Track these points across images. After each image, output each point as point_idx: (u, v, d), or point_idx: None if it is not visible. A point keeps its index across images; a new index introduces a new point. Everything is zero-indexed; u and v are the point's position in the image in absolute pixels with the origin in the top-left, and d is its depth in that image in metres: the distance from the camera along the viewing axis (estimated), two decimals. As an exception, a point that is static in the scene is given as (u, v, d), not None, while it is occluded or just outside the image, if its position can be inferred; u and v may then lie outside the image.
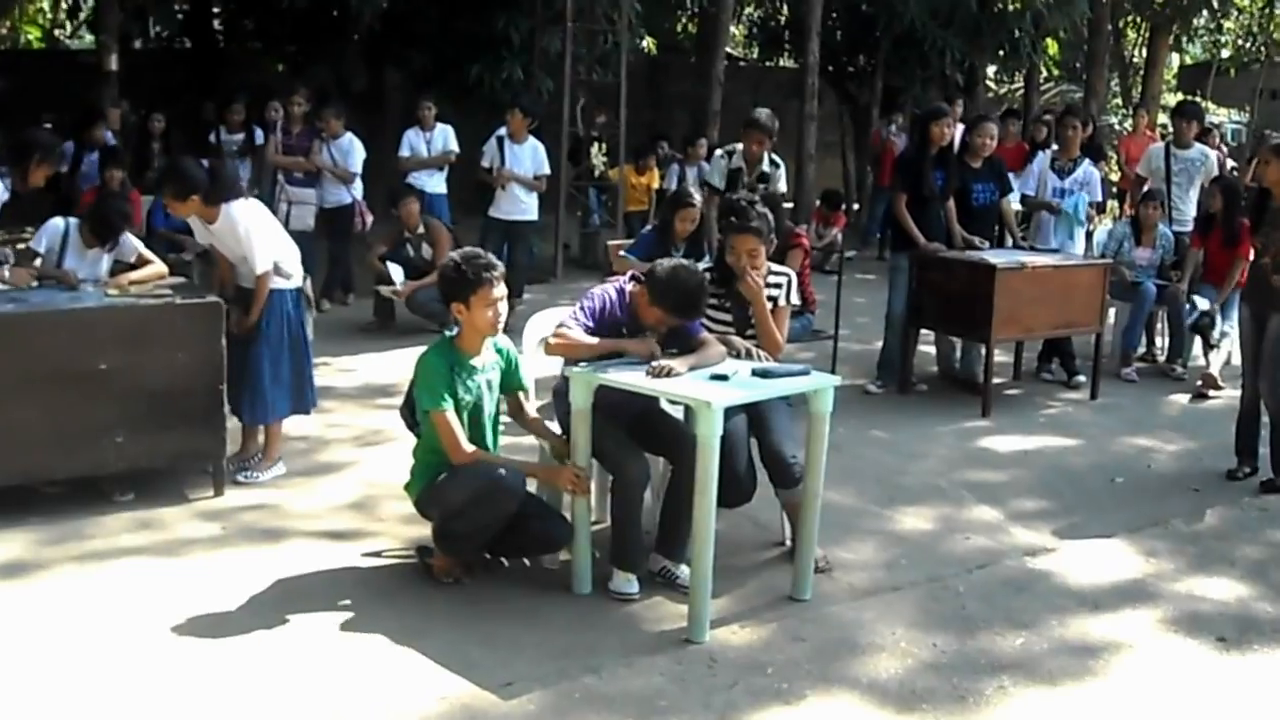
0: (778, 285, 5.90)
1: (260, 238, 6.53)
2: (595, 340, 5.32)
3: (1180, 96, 29.27)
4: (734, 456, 5.44)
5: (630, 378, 5.08)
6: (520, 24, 14.76)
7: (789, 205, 8.60)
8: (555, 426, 5.75)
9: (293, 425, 7.27)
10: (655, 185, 15.06)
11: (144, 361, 6.20)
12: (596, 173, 14.56)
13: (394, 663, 4.76)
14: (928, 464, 7.53)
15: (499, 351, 5.46)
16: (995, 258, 8.70)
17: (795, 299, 5.95)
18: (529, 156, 11.45)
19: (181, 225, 11.43)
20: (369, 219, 11.89)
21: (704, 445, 4.81)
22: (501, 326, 5.30)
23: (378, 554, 5.85)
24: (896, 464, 7.49)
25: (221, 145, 12.03)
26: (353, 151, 11.82)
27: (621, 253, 8.70)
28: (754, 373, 5.22)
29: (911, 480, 7.18)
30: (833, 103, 20.69)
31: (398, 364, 9.28)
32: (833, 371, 8.69)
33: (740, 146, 8.95)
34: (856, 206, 19.54)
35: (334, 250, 12.01)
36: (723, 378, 5.10)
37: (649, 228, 9.19)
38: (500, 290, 5.20)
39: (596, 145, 14.51)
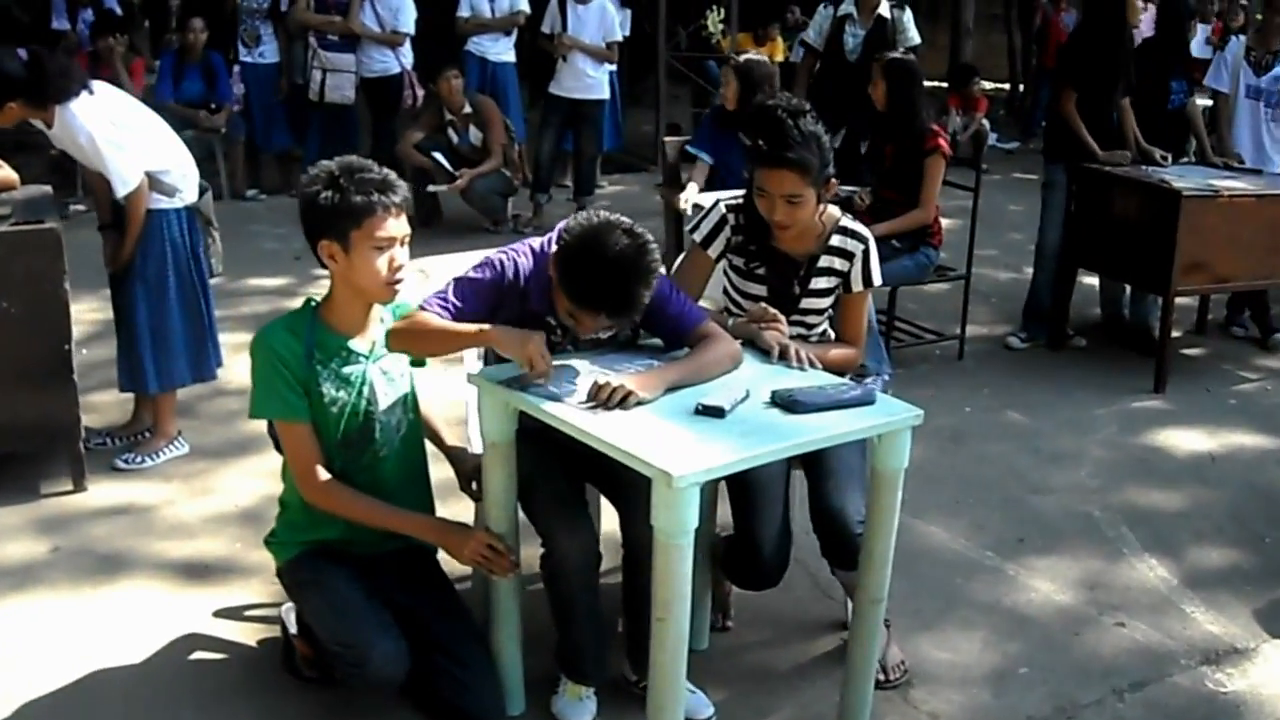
0: (846, 256, 3.76)
1: (112, 146, 4.63)
2: (456, 328, 3.21)
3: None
4: (756, 515, 3.49)
5: (561, 406, 3.04)
6: None
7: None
8: (471, 433, 3.83)
9: (233, 373, 5.52)
10: (779, 58, 12.80)
11: None
12: (713, 40, 12.33)
13: None
14: (1077, 474, 5.42)
15: (400, 315, 3.42)
16: (1179, 180, 6.47)
17: (876, 276, 3.82)
18: (596, 19, 9.36)
19: (195, 96, 9.77)
20: (420, 92, 9.94)
21: (662, 548, 2.81)
22: (399, 286, 3.27)
23: (237, 612, 4.03)
24: (1034, 471, 5.41)
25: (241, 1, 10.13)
26: (403, 8, 9.89)
27: (688, 147, 6.67)
28: (775, 399, 3.13)
29: (1052, 503, 5.11)
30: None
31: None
32: (963, 322, 6.70)
33: None
34: (1021, 88, 17.02)
35: (378, 129, 10.10)
36: (715, 412, 3.02)
37: (711, 109, 7.14)
38: (400, 226, 3.20)
39: (713, 8, 12.26)
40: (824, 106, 7.03)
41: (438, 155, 8.69)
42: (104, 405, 5.55)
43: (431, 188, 8.86)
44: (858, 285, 3.78)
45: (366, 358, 3.32)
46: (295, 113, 10.31)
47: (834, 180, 3.64)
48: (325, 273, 3.31)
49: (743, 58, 6.52)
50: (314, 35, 9.81)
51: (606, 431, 2.89)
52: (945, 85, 13.49)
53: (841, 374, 3.77)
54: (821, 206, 3.65)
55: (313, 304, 3.33)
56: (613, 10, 9.48)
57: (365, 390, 3.31)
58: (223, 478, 4.99)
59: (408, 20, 9.87)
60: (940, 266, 6.63)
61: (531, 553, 3.45)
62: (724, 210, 3.80)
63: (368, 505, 3.33)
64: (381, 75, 9.92)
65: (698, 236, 3.82)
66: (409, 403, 3.45)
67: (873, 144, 6.33)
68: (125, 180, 4.66)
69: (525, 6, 10.00)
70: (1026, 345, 7.06)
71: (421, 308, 3.23)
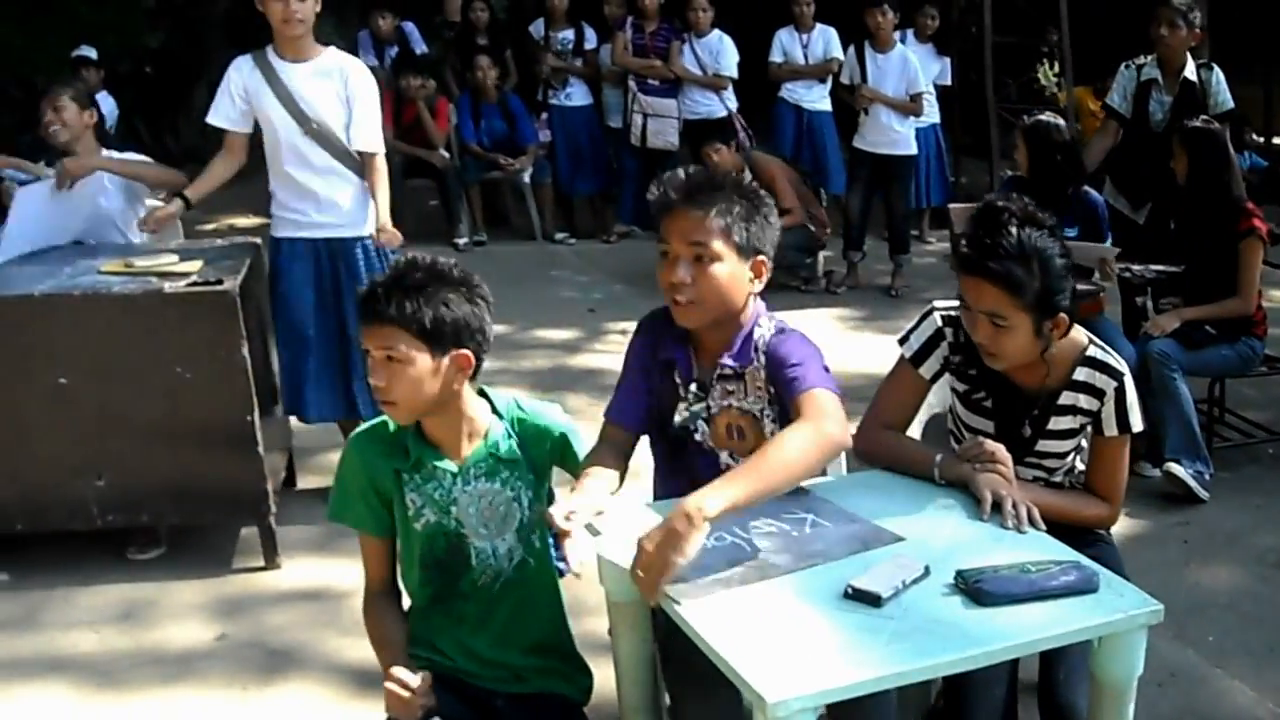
0: (1095, 393, 3.03)
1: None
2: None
3: None
4: (969, 701, 2.83)
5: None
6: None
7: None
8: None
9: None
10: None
11: (122, 376, 4.30)
12: (1048, 94, 11.45)
13: None
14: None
15: (522, 434, 2.91)
16: None
17: (1136, 419, 3.06)
18: (897, 70, 8.68)
19: (500, 137, 9.62)
20: (752, 133, 9.52)
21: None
22: (382, 406, 2.75)
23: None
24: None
25: (549, 43, 9.91)
26: (724, 51, 9.55)
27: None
28: (959, 582, 2.45)
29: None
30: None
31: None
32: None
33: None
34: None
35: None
36: (869, 599, 2.37)
37: (1009, 175, 6.44)
38: (373, 337, 2.68)
39: (1044, 60, 11.40)
40: (1127, 182, 6.33)
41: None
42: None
43: None
44: (1110, 430, 3.05)
45: (455, 476, 2.83)
46: (602, 157, 10.06)
47: (1064, 318, 2.93)
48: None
49: (1032, 118, 5.77)
50: (633, 79, 9.60)
51: (703, 619, 2.32)
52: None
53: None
54: (1041, 341, 2.94)
55: None
56: (915, 60, 8.79)
57: (453, 511, 2.85)
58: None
59: (730, 64, 9.54)
60: (1270, 357, 5.70)
61: None
62: (939, 322, 3.13)
63: (376, 635, 2.89)
64: (706, 117, 9.55)
65: (907, 351, 3.15)
66: (531, 530, 2.94)
67: (1179, 222, 5.53)
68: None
69: (839, 53, 9.46)
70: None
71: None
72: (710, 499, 2.39)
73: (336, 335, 4.91)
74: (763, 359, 2.86)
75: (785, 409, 2.80)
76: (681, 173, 2.82)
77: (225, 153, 4.87)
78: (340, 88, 4.77)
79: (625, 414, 2.93)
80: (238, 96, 4.74)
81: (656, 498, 3.05)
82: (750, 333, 2.88)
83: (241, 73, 4.74)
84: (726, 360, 2.87)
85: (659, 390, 2.94)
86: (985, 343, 2.92)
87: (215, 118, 4.82)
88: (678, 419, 2.92)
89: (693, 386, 2.91)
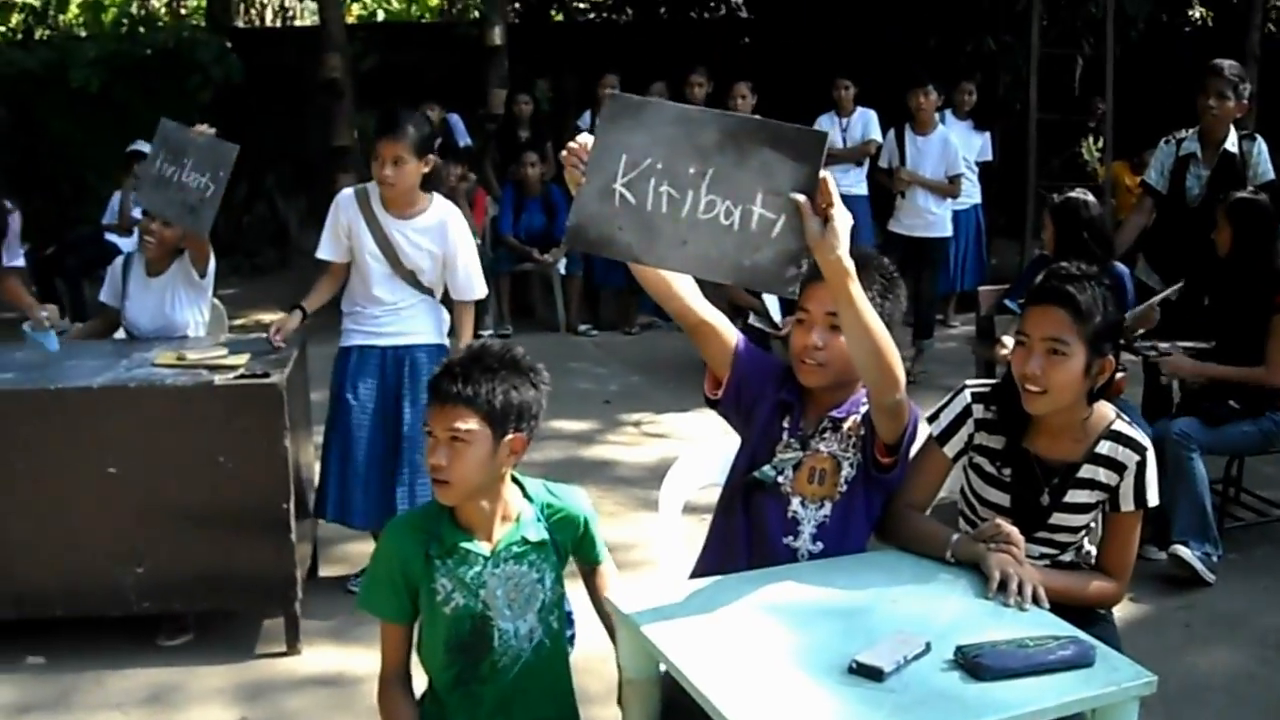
0: (1116, 467, 3.08)
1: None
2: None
3: None
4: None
5: (686, 655, 2.53)
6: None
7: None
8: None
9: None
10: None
11: (169, 466, 4.40)
12: (1089, 169, 11.48)
13: None
14: None
15: (551, 518, 2.98)
16: None
17: (1153, 495, 3.12)
18: (937, 151, 8.71)
19: (538, 231, 9.72)
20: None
21: None
22: (439, 486, 2.81)
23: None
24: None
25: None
26: None
27: (1005, 300, 6.02)
28: (959, 657, 2.48)
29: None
30: None
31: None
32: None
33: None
34: None
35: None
36: (872, 673, 2.42)
37: (1037, 254, 6.44)
38: (442, 416, 2.76)
39: (1090, 137, 11.42)
40: (1161, 258, 6.31)
41: (769, 297, 8.23)
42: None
43: (754, 321, 8.39)
44: (1127, 504, 3.10)
45: (486, 560, 2.89)
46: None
47: (1111, 362, 3.04)
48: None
49: (1061, 196, 5.76)
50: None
51: (720, 693, 2.37)
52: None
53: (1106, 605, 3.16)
54: (1087, 382, 3.03)
55: None
56: (956, 141, 8.82)
57: (482, 594, 2.90)
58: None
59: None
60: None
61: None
62: (969, 399, 3.19)
63: None
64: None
65: (935, 429, 3.21)
66: (550, 611, 2.98)
67: (1214, 296, 5.51)
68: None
69: (878, 136, 9.49)
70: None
71: None
72: None
73: (390, 441, 5.02)
74: (862, 409, 3.01)
75: (870, 453, 2.99)
76: None
77: (330, 276, 5.14)
78: (438, 243, 5.01)
79: (745, 343, 3.11)
80: (342, 234, 5.02)
81: (700, 568, 3.16)
82: (859, 398, 3.03)
83: (347, 212, 5.02)
84: (832, 414, 3.03)
85: (764, 423, 3.08)
86: (1037, 373, 2.99)
87: (323, 253, 5.09)
88: (771, 463, 3.04)
89: (797, 435, 3.05)
